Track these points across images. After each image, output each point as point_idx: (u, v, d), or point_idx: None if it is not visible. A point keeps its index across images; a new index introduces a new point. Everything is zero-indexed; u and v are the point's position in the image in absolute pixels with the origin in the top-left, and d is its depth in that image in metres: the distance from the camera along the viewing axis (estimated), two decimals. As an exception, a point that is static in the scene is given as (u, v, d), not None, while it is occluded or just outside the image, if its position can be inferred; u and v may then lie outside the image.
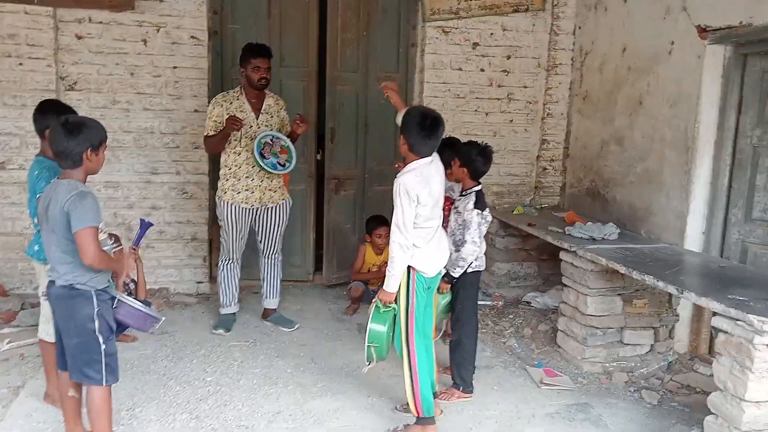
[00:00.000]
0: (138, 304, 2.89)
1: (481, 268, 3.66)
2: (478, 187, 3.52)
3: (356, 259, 5.16)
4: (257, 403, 3.48)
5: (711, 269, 3.68)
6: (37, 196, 2.94)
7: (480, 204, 3.49)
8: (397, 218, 3.02)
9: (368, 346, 3.20)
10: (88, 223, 2.57)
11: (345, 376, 3.84)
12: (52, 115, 3.03)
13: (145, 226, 3.32)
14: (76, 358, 2.74)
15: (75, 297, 2.68)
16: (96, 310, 2.69)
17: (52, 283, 2.74)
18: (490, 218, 3.60)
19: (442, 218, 3.27)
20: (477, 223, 3.47)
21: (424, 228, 3.08)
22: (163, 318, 3.09)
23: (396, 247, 3.03)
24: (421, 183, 3.02)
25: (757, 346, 2.71)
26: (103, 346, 2.71)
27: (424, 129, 3.04)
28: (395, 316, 3.19)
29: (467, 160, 3.51)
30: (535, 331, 4.64)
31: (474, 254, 3.50)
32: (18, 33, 4.62)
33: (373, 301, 3.23)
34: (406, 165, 3.11)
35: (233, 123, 4.08)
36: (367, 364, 3.28)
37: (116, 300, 2.80)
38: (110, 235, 3.11)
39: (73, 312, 2.69)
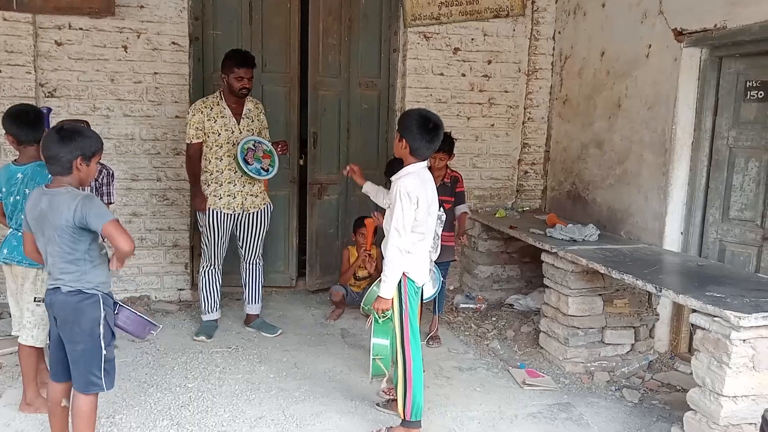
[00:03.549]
0: (138, 311, 2.90)
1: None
2: None
3: (342, 265, 5.13)
4: (239, 409, 3.45)
5: (689, 268, 3.71)
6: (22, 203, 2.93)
7: None
8: (396, 222, 2.97)
9: (373, 359, 3.23)
10: (109, 216, 2.58)
11: (328, 381, 3.83)
12: (8, 120, 3.19)
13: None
14: (81, 366, 2.70)
15: (83, 301, 2.64)
16: (103, 314, 2.68)
17: (54, 290, 2.67)
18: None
19: (436, 225, 3.21)
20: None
21: (417, 233, 3.06)
22: (161, 326, 3.09)
23: (394, 250, 2.99)
24: (420, 186, 3.01)
25: (733, 342, 2.74)
26: (104, 352, 2.70)
27: (427, 132, 3.00)
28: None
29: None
30: (517, 332, 4.66)
31: None
32: (-4, 39, 4.59)
33: (370, 318, 3.24)
34: (402, 168, 3.06)
35: (201, 208, 4.30)
36: (372, 380, 3.34)
37: (117, 305, 2.78)
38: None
39: (79, 316, 2.65)
